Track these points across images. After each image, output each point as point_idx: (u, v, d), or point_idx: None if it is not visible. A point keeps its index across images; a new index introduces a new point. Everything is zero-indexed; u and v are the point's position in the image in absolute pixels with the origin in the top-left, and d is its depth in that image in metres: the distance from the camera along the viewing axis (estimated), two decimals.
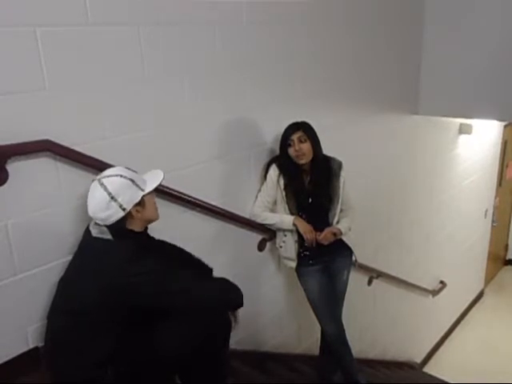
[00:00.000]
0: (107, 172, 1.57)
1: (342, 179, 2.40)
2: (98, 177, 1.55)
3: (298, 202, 2.38)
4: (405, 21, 3.32)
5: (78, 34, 1.61)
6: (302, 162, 2.28)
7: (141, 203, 1.59)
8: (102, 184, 1.52)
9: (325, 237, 2.35)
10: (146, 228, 1.71)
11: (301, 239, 2.40)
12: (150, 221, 1.69)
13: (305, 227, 2.34)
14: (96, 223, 1.58)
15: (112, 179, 1.53)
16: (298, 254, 2.45)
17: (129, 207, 1.55)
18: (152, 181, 1.64)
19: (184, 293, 1.62)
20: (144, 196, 1.59)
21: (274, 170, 2.36)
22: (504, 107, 3.30)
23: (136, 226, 1.62)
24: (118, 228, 1.57)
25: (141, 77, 1.82)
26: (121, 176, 1.54)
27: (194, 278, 1.79)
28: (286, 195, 2.36)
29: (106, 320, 1.53)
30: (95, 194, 1.52)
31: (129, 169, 1.60)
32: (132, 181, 1.56)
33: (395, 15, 3.19)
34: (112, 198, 1.51)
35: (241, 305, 1.81)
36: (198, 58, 2.00)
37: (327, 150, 2.38)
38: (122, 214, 1.54)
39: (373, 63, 3.06)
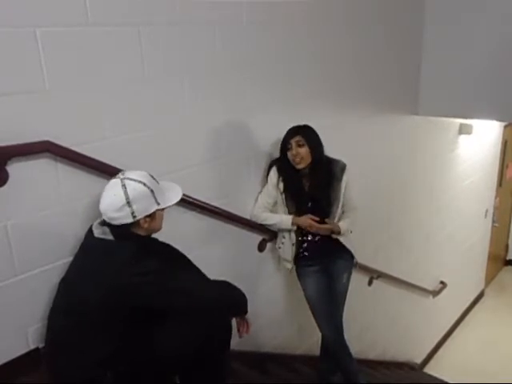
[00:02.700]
0: (132, 175, 1.55)
1: (343, 183, 2.38)
2: (122, 176, 1.54)
3: (298, 206, 2.37)
4: (405, 21, 3.32)
5: (78, 35, 1.60)
6: (300, 166, 2.28)
7: (151, 215, 1.58)
8: (123, 185, 1.51)
9: (322, 229, 2.34)
10: (150, 234, 1.70)
11: (299, 241, 2.41)
12: (154, 231, 1.69)
13: (304, 222, 2.32)
14: (100, 223, 1.58)
15: (135, 184, 1.52)
16: (297, 255, 2.45)
17: (139, 216, 1.54)
18: (170, 196, 1.64)
19: (185, 293, 1.62)
20: (157, 210, 1.59)
21: (274, 173, 2.37)
22: (504, 107, 3.30)
23: (140, 232, 1.62)
24: (122, 230, 1.56)
25: (141, 77, 1.82)
26: (144, 184, 1.54)
27: (195, 278, 1.79)
28: (286, 198, 2.37)
29: (107, 320, 1.53)
30: (113, 193, 1.51)
31: (152, 177, 1.60)
32: (152, 192, 1.55)
33: (395, 15, 3.19)
34: (128, 202, 1.50)
35: (245, 309, 1.82)
36: (198, 58, 2.00)
37: (327, 150, 2.37)
38: (130, 220, 1.53)
39: (373, 63, 3.06)
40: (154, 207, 1.57)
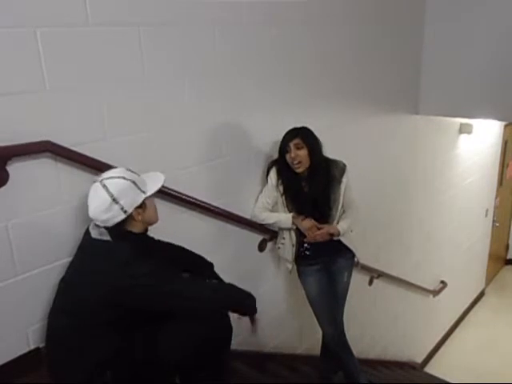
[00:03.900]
0: (109, 173, 1.55)
1: (343, 185, 2.37)
2: (100, 178, 1.53)
3: (297, 208, 2.37)
4: (405, 21, 3.32)
5: (78, 35, 1.60)
6: (299, 170, 2.27)
7: (142, 206, 1.58)
8: (104, 186, 1.50)
9: (321, 234, 2.34)
10: (146, 229, 1.70)
11: (302, 237, 2.40)
12: (150, 223, 1.68)
13: (305, 224, 2.33)
14: (96, 224, 1.58)
15: (114, 181, 1.52)
16: (299, 254, 2.45)
17: (130, 210, 1.54)
18: (153, 183, 1.63)
19: (183, 295, 1.61)
20: (145, 199, 1.59)
21: (274, 174, 2.36)
22: (504, 107, 3.30)
23: (136, 228, 1.62)
24: (118, 230, 1.56)
25: (141, 77, 1.82)
26: (123, 178, 1.53)
27: (194, 280, 1.78)
28: (286, 200, 2.37)
29: (104, 321, 1.53)
30: (97, 196, 1.51)
31: (130, 170, 1.60)
32: (134, 183, 1.55)
33: (395, 15, 3.19)
34: (114, 200, 1.50)
35: (251, 310, 1.80)
36: (197, 58, 2.00)
37: (327, 150, 2.37)
38: (123, 216, 1.53)
39: (373, 63, 3.06)
40: (142, 196, 1.57)
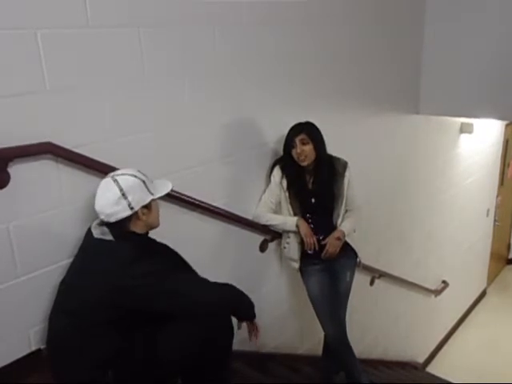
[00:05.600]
0: (121, 171, 1.60)
1: (346, 179, 2.39)
2: (112, 174, 1.58)
3: (301, 203, 2.37)
4: (405, 20, 3.32)
5: (78, 36, 1.61)
6: (304, 163, 2.28)
7: (148, 206, 1.60)
8: (115, 180, 1.54)
9: (331, 245, 2.35)
10: (147, 232, 1.71)
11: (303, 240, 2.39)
12: (153, 227, 1.70)
13: (306, 230, 2.34)
14: (98, 224, 1.59)
15: (125, 177, 1.56)
16: (302, 254, 2.45)
17: (136, 207, 1.56)
18: (161, 188, 1.66)
19: (183, 296, 1.61)
20: (152, 200, 1.61)
21: (277, 171, 2.37)
22: (505, 106, 3.30)
23: (138, 229, 1.62)
24: (121, 229, 1.57)
25: (141, 78, 1.82)
26: (135, 176, 1.57)
27: (194, 280, 1.78)
28: (289, 196, 2.36)
29: (105, 321, 1.53)
30: (106, 189, 1.54)
31: (140, 172, 1.63)
32: (144, 182, 1.59)
33: (395, 15, 3.19)
34: (123, 194, 1.52)
35: (252, 314, 1.80)
36: (198, 58, 2.00)
37: (328, 149, 2.37)
38: (128, 212, 1.54)
39: (373, 63, 3.06)
40: (149, 197, 1.60)
